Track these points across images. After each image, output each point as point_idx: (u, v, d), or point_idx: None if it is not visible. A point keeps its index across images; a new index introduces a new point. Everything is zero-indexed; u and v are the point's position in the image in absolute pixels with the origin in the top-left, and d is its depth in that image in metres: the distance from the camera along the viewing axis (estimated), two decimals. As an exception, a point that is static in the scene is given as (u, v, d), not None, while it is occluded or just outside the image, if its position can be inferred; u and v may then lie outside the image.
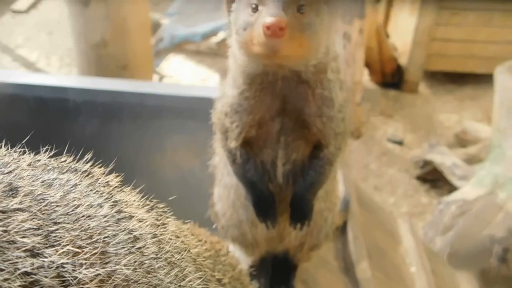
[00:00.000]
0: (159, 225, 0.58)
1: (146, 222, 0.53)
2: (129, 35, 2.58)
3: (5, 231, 0.42)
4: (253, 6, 0.96)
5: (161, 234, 0.55)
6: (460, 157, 3.13)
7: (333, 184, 1.30)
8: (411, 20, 4.20)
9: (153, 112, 1.86)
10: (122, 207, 0.52)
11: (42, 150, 0.58)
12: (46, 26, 5.26)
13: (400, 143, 3.80)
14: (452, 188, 3.00)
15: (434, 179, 3.34)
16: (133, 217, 0.52)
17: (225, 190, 1.28)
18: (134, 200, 0.57)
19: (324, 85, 1.06)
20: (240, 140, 1.11)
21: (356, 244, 1.55)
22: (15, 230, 0.43)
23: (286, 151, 1.12)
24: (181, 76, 4.53)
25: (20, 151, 0.56)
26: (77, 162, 0.56)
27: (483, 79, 4.22)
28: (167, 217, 0.64)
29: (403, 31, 4.38)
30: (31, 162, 0.55)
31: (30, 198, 0.46)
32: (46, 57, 4.66)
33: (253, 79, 1.05)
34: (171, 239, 0.56)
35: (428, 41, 4.21)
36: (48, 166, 0.54)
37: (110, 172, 0.73)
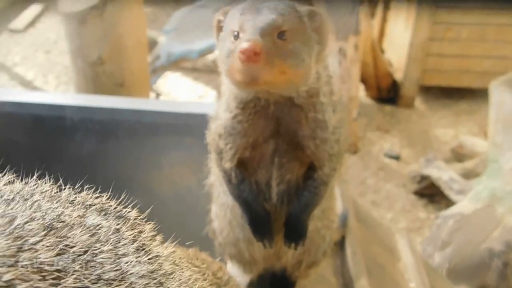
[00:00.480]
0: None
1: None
2: (126, 53, 2.59)
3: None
4: (235, 33, 0.96)
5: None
6: (457, 171, 3.13)
7: (331, 202, 1.29)
8: (405, 35, 4.23)
9: (150, 129, 1.87)
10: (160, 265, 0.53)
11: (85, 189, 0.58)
12: (43, 44, 5.28)
13: (397, 158, 3.81)
14: (449, 203, 3.00)
15: (431, 194, 3.33)
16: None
17: (222, 208, 1.27)
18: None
19: (317, 108, 1.06)
20: (234, 162, 1.11)
21: (354, 260, 1.54)
22: None
23: (280, 172, 1.11)
24: (178, 93, 4.55)
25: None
26: (97, 197, 0.56)
27: (479, 94, 4.25)
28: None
29: (398, 47, 4.42)
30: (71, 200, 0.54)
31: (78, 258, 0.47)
32: (44, 76, 4.67)
33: (246, 104, 1.05)
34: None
35: (423, 56, 4.24)
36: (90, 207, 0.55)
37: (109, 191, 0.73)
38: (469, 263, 2.36)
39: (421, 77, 4.34)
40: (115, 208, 0.57)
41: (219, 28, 1.06)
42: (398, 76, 4.38)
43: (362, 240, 1.64)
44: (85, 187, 0.68)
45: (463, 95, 4.51)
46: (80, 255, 0.47)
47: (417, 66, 4.27)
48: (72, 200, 0.55)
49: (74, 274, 0.46)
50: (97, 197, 0.58)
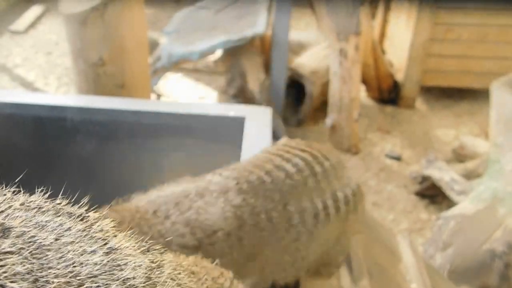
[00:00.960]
0: (154, 268, 0.56)
1: (141, 267, 0.52)
2: (127, 54, 2.60)
3: None
4: None
5: (156, 278, 0.53)
6: (458, 172, 3.13)
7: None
8: (406, 36, 4.23)
9: (151, 130, 1.86)
10: (116, 254, 0.51)
11: (37, 191, 0.56)
12: (44, 46, 5.28)
13: (398, 159, 3.81)
14: (451, 204, 2.99)
15: (433, 194, 3.33)
16: (127, 264, 0.51)
17: None
18: (130, 245, 0.55)
19: None
20: None
21: (355, 261, 1.54)
22: (5, 274, 0.42)
23: None
24: (178, 94, 4.55)
25: (14, 191, 0.54)
26: (72, 204, 0.55)
27: (480, 95, 4.24)
28: (163, 260, 0.62)
29: (399, 47, 4.42)
30: (24, 202, 0.53)
31: (22, 240, 0.45)
32: (45, 77, 4.67)
33: None
34: (166, 282, 0.54)
35: (424, 57, 4.24)
36: (42, 208, 0.53)
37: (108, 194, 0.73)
38: (471, 264, 2.36)
39: (422, 78, 4.34)
40: (69, 208, 0.55)
41: None
42: (399, 77, 4.38)
43: (363, 241, 1.63)
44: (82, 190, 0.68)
45: (464, 95, 4.51)
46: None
47: (418, 67, 4.27)
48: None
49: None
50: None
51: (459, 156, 3.55)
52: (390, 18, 4.74)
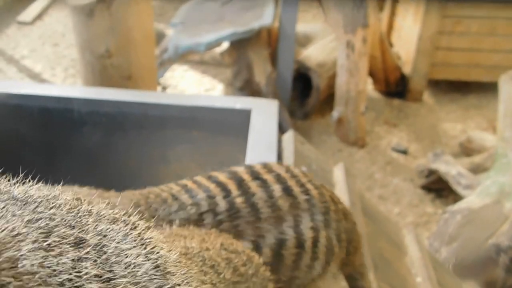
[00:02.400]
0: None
1: (186, 274, 0.62)
2: (133, 46, 2.60)
3: (78, 276, 0.51)
4: None
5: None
6: (465, 166, 3.12)
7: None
8: (414, 29, 4.20)
9: (157, 122, 1.87)
10: (164, 263, 0.60)
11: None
12: (51, 37, 5.29)
13: (404, 152, 3.79)
14: (457, 198, 2.98)
15: (439, 188, 3.32)
16: (176, 272, 0.60)
17: None
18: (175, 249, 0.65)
19: None
20: None
21: (361, 254, 1.54)
22: (85, 276, 0.52)
23: None
24: (185, 86, 4.55)
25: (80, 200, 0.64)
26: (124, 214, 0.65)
27: (488, 88, 4.21)
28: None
29: (407, 40, 4.39)
30: (93, 213, 0.63)
31: (93, 249, 0.55)
32: (51, 68, 4.69)
33: None
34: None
35: (431, 50, 4.21)
36: (103, 216, 0.63)
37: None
38: (476, 258, 2.35)
39: (429, 71, 4.31)
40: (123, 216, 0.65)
41: None
42: (407, 69, 4.36)
43: (369, 234, 1.63)
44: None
45: (472, 89, 4.48)
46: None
47: (426, 60, 4.24)
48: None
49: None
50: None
51: (466, 150, 3.54)
52: (398, 10, 4.70)
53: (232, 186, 1.13)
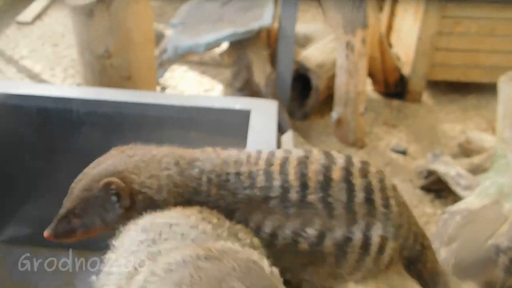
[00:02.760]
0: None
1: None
2: (133, 46, 2.60)
3: None
4: None
5: None
6: (464, 167, 3.12)
7: None
8: (413, 29, 4.21)
9: (155, 122, 1.87)
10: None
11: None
12: (51, 37, 5.29)
13: (403, 153, 3.79)
14: (456, 198, 2.98)
15: (438, 189, 3.32)
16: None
17: None
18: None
19: None
20: None
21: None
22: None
23: None
24: (184, 86, 4.55)
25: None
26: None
27: (487, 89, 4.22)
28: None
29: (406, 41, 4.39)
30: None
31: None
32: (51, 68, 4.69)
33: None
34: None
35: (431, 51, 4.21)
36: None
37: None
38: (475, 259, 2.35)
39: (429, 72, 4.31)
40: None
41: None
42: (406, 70, 4.36)
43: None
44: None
45: (471, 90, 4.48)
46: None
47: (425, 61, 4.24)
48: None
49: None
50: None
51: (466, 150, 3.54)
52: (398, 11, 4.70)
53: (313, 184, 1.11)
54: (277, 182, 1.11)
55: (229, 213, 1.12)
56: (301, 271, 1.15)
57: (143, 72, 2.71)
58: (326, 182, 1.11)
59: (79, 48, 2.63)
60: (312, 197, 1.10)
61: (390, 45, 4.50)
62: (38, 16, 5.69)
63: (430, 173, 3.31)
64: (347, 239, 1.11)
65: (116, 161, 1.18)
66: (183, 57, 4.02)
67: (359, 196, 1.12)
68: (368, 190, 1.14)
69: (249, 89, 3.93)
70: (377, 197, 1.14)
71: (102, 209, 1.14)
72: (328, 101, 4.00)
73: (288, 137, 1.80)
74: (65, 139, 1.91)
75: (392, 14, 4.77)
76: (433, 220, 3.13)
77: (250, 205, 1.12)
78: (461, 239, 2.43)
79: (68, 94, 1.88)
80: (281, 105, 3.54)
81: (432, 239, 2.59)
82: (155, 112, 1.84)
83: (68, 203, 1.16)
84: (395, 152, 3.80)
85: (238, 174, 1.14)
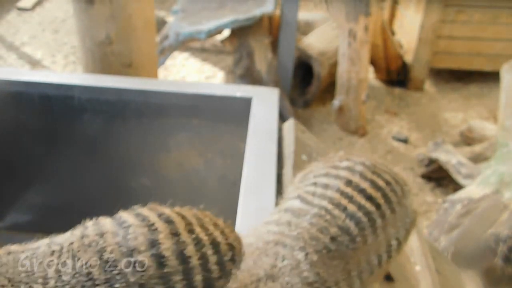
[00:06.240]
0: None
1: None
2: (134, 33, 2.58)
3: None
4: None
5: None
6: (465, 155, 3.12)
7: None
8: (416, 17, 4.18)
9: (157, 110, 1.86)
10: None
11: None
12: (51, 24, 5.27)
13: (405, 141, 3.79)
14: (457, 187, 2.99)
15: (439, 177, 3.33)
16: None
17: None
18: None
19: None
20: None
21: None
22: None
23: None
24: (185, 73, 4.54)
25: None
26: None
27: (489, 77, 4.20)
28: None
29: (409, 29, 4.37)
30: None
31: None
32: (52, 55, 4.67)
33: None
34: None
35: (433, 39, 4.19)
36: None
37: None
38: (475, 248, 2.36)
39: (431, 60, 4.30)
40: None
41: None
42: (408, 58, 4.34)
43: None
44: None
45: (473, 78, 4.46)
46: None
47: (428, 49, 4.23)
48: None
49: None
50: None
51: (467, 139, 3.53)
52: (400, -2, 4.67)
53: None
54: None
55: None
56: None
57: (145, 59, 2.70)
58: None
59: (80, 34, 2.62)
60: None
61: (392, 33, 4.48)
62: (39, 2, 5.66)
63: (431, 161, 3.32)
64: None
65: None
66: (184, 44, 4.00)
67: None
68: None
69: (250, 76, 3.92)
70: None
71: None
72: (330, 88, 3.99)
73: (289, 125, 1.80)
74: (66, 126, 1.91)
75: (395, 2, 4.74)
76: (433, 208, 3.14)
77: None
78: (461, 227, 2.44)
79: (70, 81, 1.88)
80: (283, 92, 3.53)
81: (432, 228, 2.60)
82: (157, 99, 1.84)
83: None
84: (396, 140, 3.80)
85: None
